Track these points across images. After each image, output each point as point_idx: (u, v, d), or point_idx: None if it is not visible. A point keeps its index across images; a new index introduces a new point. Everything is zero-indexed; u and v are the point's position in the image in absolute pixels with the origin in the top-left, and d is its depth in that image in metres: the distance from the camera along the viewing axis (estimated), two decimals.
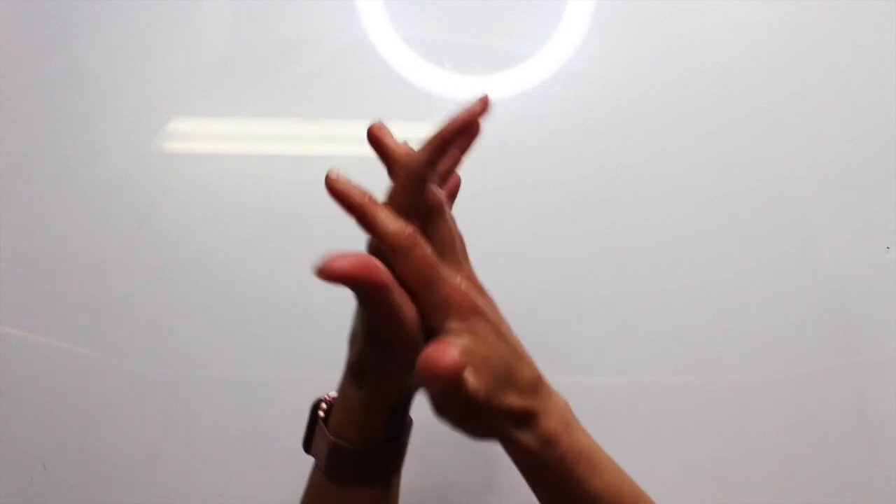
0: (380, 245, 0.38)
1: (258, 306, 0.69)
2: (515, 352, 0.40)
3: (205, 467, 0.66)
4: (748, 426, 0.65)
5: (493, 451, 0.65)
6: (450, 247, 0.40)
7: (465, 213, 0.70)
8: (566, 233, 0.69)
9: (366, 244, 0.41)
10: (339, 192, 0.39)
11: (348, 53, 0.73)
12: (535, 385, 0.40)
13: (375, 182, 0.72)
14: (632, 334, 0.67)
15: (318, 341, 0.68)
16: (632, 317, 0.67)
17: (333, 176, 0.39)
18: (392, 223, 0.37)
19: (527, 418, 0.39)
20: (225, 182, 0.71)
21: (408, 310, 0.37)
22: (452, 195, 0.51)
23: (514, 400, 0.38)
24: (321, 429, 0.44)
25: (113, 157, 0.72)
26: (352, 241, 0.71)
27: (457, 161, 0.47)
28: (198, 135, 0.73)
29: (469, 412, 0.37)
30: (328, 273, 0.35)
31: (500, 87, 0.72)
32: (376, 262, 0.36)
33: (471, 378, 0.36)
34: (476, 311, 0.38)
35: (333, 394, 0.46)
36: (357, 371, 0.43)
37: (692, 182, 0.70)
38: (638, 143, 0.70)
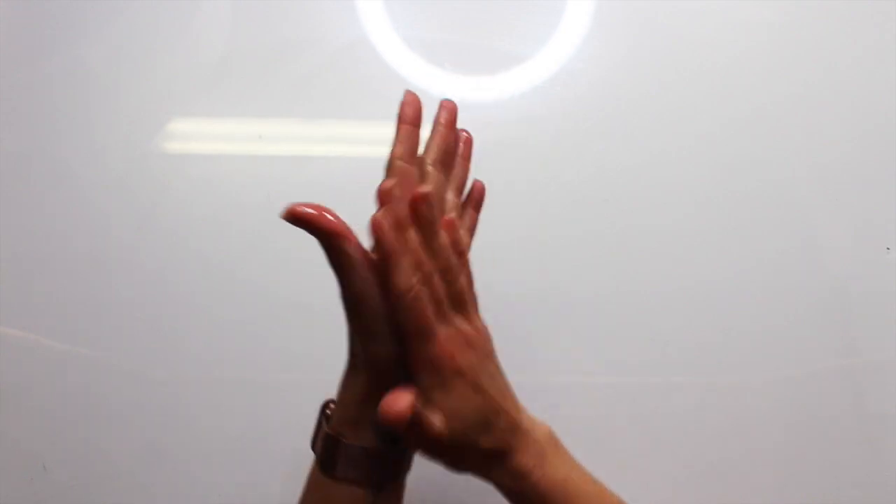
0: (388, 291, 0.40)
1: (258, 306, 0.69)
2: (492, 404, 0.43)
3: (205, 467, 0.66)
4: (748, 426, 0.65)
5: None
6: (459, 297, 0.43)
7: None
8: (566, 233, 0.69)
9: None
10: (378, 236, 0.40)
11: (348, 53, 0.73)
12: (511, 428, 0.44)
13: (374, 183, 0.72)
14: (632, 335, 0.67)
15: (319, 341, 0.68)
16: (632, 317, 0.67)
17: (379, 222, 0.40)
18: (404, 278, 0.40)
19: (498, 456, 0.43)
20: (225, 182, 0.71)
21: (363, 269, 0.41)
22: (478, 204, 0.53)
23: (484, 441, 0.42)
24: (322, 424, 0.45)
25: (113, 157, 0.72)
26: None
27: (465, 170, 0.48)
28: (198, 135, 0.73)
29: (436, 451, 0.42)
30: (291, 214, 0.42)
31: (500, 87, 0.72)
32: (335, 214, 0.41)
33: (436, 423, 0.40)
34: (457, 373, 0.41)
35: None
36: (351, 365, 0.44)
37: (692, 182, 0.70)
38: (638, 143, 0.70)
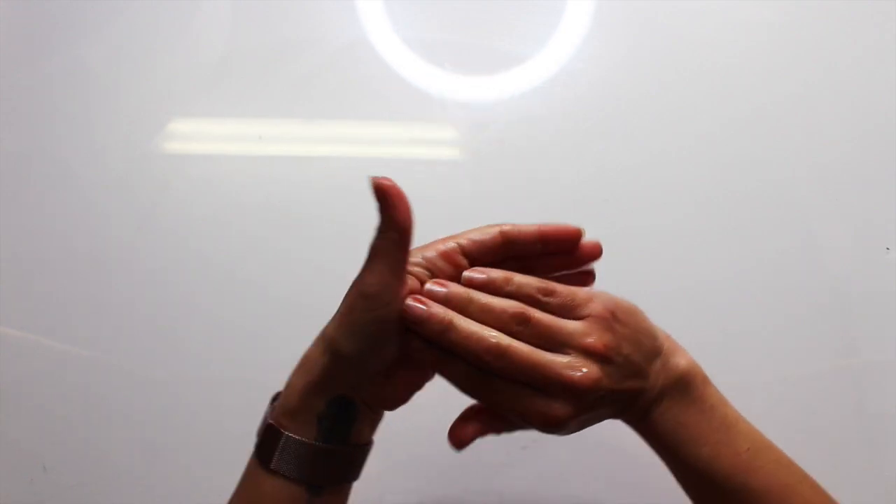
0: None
1: (258, 306, 0.69)
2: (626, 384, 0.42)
3: (205, 468, 0.66)
4: None
5: (493, 452, 0.65)
6: (546, 333, 0.41)
7: (465, 214, 0.70)
8: None
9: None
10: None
11: (348, 54, 0.73)
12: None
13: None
14: None
15: None
16: None
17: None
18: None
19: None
20: (225, 182, 0.71)
21: (399, 275, 0.41)
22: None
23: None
24: (266, 412, 0.44)
25: (113, 157, 0.72)
26: (351, 241, 0.71)
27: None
28: (198, 135, 0.73)
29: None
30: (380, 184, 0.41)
31: (500, 87, 0.72)
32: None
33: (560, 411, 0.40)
34: (594, 388, 0.40)
35: None
36: (317, 349, 0.43)
37: (692, 182, 0.70)
38: (638, 143, 0.70)
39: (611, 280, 0.69)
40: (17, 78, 0.74)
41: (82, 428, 0.67)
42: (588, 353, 0.40)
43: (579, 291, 0.42)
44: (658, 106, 0.71)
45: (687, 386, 0.44)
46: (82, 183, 0.71)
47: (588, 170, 0.70)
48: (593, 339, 0.40)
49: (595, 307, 0.41)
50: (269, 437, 0.42)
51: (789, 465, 0.46)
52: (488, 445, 0.65)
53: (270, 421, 0.43)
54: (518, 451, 0.64)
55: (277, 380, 0.68)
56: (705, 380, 0.45)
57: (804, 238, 0.68)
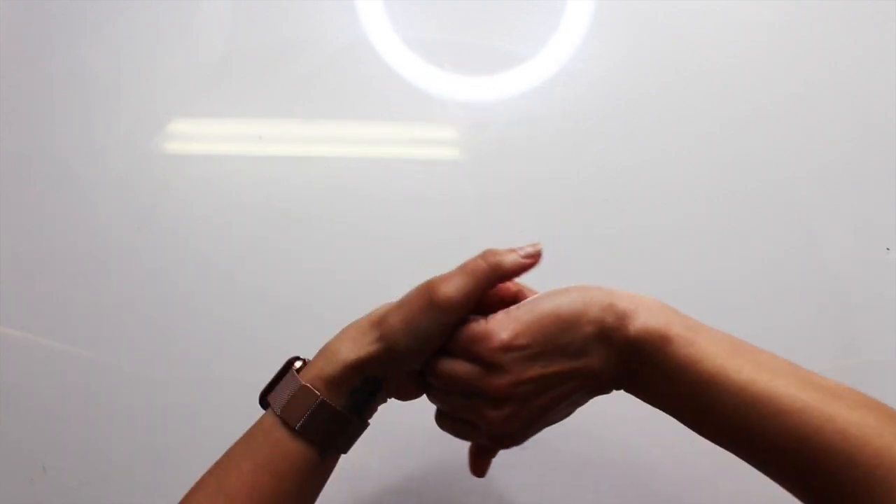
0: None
1: (258, 306, 0.69)
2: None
3: (205, 467, 0.66)
4: None
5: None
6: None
7: (465, 214, 0.70)
8: (566, 233, 0.69)
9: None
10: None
11: (348, 54, 0.73)
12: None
13: (374, 183, 0.72)
14: None
15: (318, 342, 0.68)
16: None
17: None
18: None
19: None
20: (225, 183, 0.71)
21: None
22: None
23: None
24: (292, 376, 0.46)
25: (113, 157, 0.72)
26: (351, 241, 0.71)
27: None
28: (198, 135, 0.73)
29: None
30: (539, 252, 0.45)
31: (500, 87, 0.72)
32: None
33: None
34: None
35: (307, 357, 0.47)
36: (363, 324, 0.45)
37: (692, 182, 0.69)
38: (638, 143, 0.70)
39: (611, 281, 0.69)
40: (17, 78, 0.74)
41: (82, 428, 0.67)
42: (490, 406, 0.43)
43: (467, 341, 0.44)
44: (658, 106, 0.71)
45: (643, 354, 0.41)
46: (82, 183, 0.71)
47: (588, 170, 0.70)
48: (489, 390, 0.43)
49: (482, 352, 0.43)
50: (300, 400, 0.44)
51: (797, 413, 0.38)
52: None
53: (305, 383, 0.44)
54: (518, 451, 0.64)
55: None
56: (664, 340, 0.41)
57: (804, 238, 0.68)
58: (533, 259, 0.45)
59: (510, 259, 0.44)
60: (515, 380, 0.42)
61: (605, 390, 0.45)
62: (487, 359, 0.42)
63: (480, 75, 0.72)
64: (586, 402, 0.46)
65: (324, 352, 0.46)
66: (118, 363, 0.68)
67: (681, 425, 0.43)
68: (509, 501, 0.65)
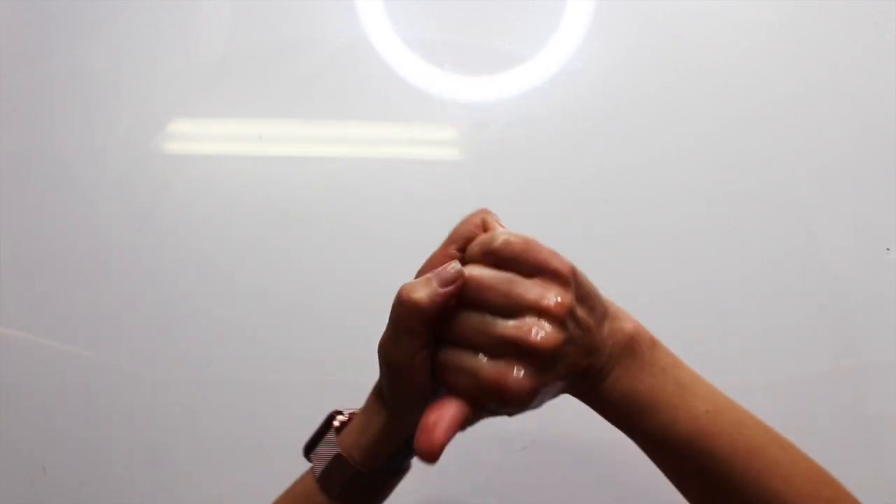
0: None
1: (258, 307, 0.69)
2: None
3: (205, 469, 0.66)
4: None
5: (492, 452, 0.65)
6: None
7: (465, 215, 0.70)
8: (566, 233, 0.69)
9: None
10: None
11: (348, 54, 0.73)
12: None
13: (374, 183, 0.72)
14: None
15: (318, 342, 0.68)
16: None
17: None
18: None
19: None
20: (225, 183, 0.71)
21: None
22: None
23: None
24: (331, 437, 0.44)
25: (113, 157, 0.72)
26: (352, 242, 0.71)
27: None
28: (198, 135, 0.73)
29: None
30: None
31: (500, 87, 0.72)
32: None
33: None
34: (554, 350, 0.38)
35: (352, 410, 0.45)
36: (377, 392, 0.43)
37: (692, 182, 0.69)
38: (638, 143, 0.70)
39: (611, 280, 0.69)
40: (17, 78, 0.74)
41: (82, 428, 0.67)
42: (544, 314, 0.36)
43: (534, 247, 0.39)
44: (658, 106, 0.71)
45: (634, 350, 0.41)
46: (82, 183, 0.71)
47: (588, 170, 0.70)
48: (550, 300, 0.36)
49: (551, 264, 0.38)
50: (337, 468, 0.43)
51: (755, 427, 0.42)
52: (488, 445, 0.65)
53: (340, 451, 0.43)
54: (517, 451, 0.64)
55: (277, 381, 0.69)
56: (653, 342, 0.42)
57: (804, 238, 0.68)
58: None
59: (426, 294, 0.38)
60: (574, 300, 0.37)
61: (586, 383, 0.41)
62: (559, 268, 0.37)
63: (480, 75, 0.72)
64: (556, 396, 0.41)
65: (363, 414, 0.44)
66: (118, 363, 0.68)
67: None
68: (509, 501, 0.65)
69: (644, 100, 0.71)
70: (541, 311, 0.36)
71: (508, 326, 0.36)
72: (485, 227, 0.42)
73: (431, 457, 0.36)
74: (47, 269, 0.70)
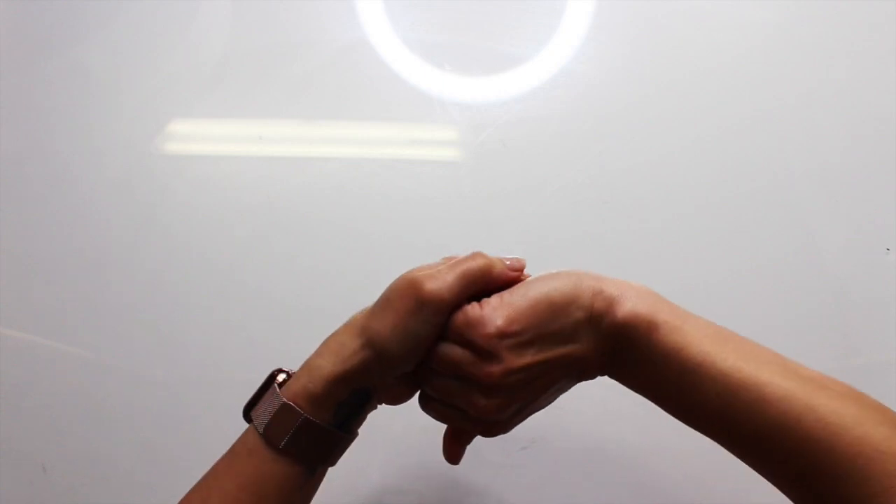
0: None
1: (258, 307, 0.69)
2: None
3: (204, 468, 0.66)
4: None
5: (492, 452, 0.65)
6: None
7: (465, 216, 0.70)
8: (566, 235, 0.69)
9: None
10: None
11: (348, 55, 0.73)
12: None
13: (374, 184, 0.72)
14: None
15: (318, 342, 0.68)
16: None
17: None
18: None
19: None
20: (225, 183, 0.71)
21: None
22: None
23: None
24: (274, 391, 0.44)
25: (113, 158, 0.72)
26: (351, 242, 0.71)
27: None
28: (197, 136, 0.74)
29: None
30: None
31: (499, 88, 0.72)
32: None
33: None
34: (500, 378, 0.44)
35: (292, 369, 0.46)
36: (342, 336, 0.44)
37: (692, 184, 0.70)
38: (637, 144, 0.70)
39: None
40: (16, 78, 0.74)
41: (82, 428, 0.67)
42: (483, 398, 0.43)
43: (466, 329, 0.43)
44: (657, 107, 0.71)
45: (630, 340, 0.41)
46: (82, 183, 0.71)
47: (587, 171, 0.70)
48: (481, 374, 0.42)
49: (476, 339, 0.42)
50: (283, 418, 0.43)
51: (779, 401, 0.38)
52: (488, 445, 0.65)
53: (286, 401, 0.43)
54: (518, 451, 0.64)
55: None
56: (651, 326, 0.41)
57: (804, 239, 0.68)
58: (517, 273, 0.45)
59: (499, 267, 0.44)
60: (508, 368, 0.41)
61: (592, 376, 0.44)
62: (482, 345, 0.41)
63: (480, 76, 0.72)
64: (572, 387, 0.46)
65: (306, 366, 0.44)
66: (118, 364, 0.68)
67: (680, 423, 0.43)
68: (509, 501, 0.65)
69: (644, 101, 0.71)
70: (480, 394, 0.43)
71: (456, 391, 0.44)
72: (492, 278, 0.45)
73: (455, 462, 0.48)
74: (47, 269, 0.70)
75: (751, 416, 0.38)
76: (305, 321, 0.68)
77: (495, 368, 0.41)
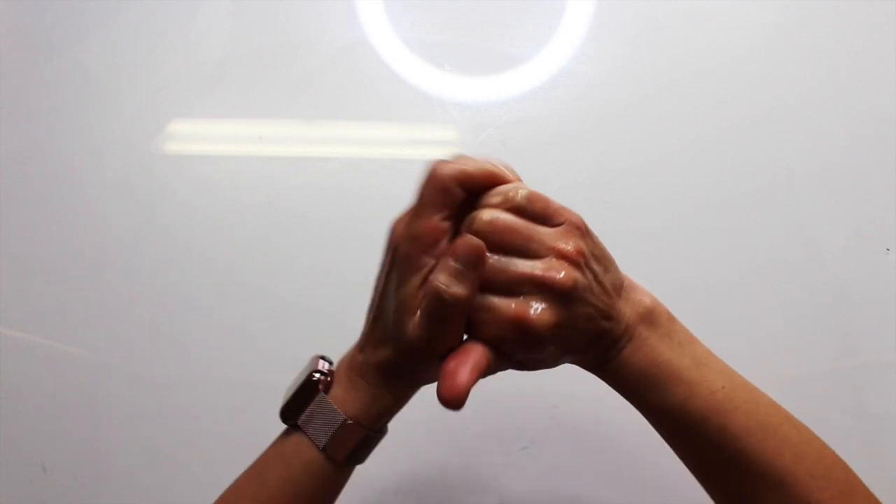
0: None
1: (258, 307, 0.69)
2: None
3: (205, 469, 0.66)
4: None
5: (492, 452, 0.65)
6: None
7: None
8: None
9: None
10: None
11: (348, 55, 0.73)
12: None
13: (374, 184, 0.72)
14: None
15: (318, 342, 0.67)
16: None
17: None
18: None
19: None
20: (225, 183, 0.71)
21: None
22: None
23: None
24: (323, 401, 0.42)
25: (113, 158, 0.72)
26: (351, 242, 0.71)
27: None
28: (197, 136, 0.74)
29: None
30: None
31: (499, 88, 0.72)
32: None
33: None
34: (574, 288, 0.39)
35: (326, 365, 0.45)
36: (368, 340, 0.43)
37: (692, 184, 0.70)
38: (637, 144, 0.70)
39: None
40: (16, 78, 0.74)
41: (82, 428, 0.67)
42: (563, 257, 0.38)
43: (552, 200, 0.41)
44: (657, 107, 0.71)
45: (654, 322, 0.42)
46: (82, 183, 0.71)
47: (588, 171, 0.70)
48: (569, 246, 0.39)
49: (569, 216, 0.40)
50: (346, 436, 0.42)
51: (769, 405, 0.43)
52: (488, 445, 0.65)
53: (350, 420, 0.42)
54: (518, 451, 0.64)
55: (277, 380, 0.68)
56: (671, 317, 0.43)
57: (804, 238, 0.68)
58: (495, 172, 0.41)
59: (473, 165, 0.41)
60: (590, 251, 0.39)
61: (601, 348, 0.41)
62: (571, 218, 0.40)
63: (480, 76, 0.72)
64: (574, 358, 0.42)
65: (365, 387, 0.43)
66: (118, 364, 0.68)
67: None
68: (509, 501, 0.65)
69: (644, 101, 0.71)
70: (560, 254, 0.38)
71: (529, 266, 0.38)
72: (464, 181, 0.41)
73: (457, 402, 0.36)
74: (47, 269, 0.70)
75: (747, 413, 0.42)
76: (305, 321, 0.68)
77: (583, 246, 0.39)
